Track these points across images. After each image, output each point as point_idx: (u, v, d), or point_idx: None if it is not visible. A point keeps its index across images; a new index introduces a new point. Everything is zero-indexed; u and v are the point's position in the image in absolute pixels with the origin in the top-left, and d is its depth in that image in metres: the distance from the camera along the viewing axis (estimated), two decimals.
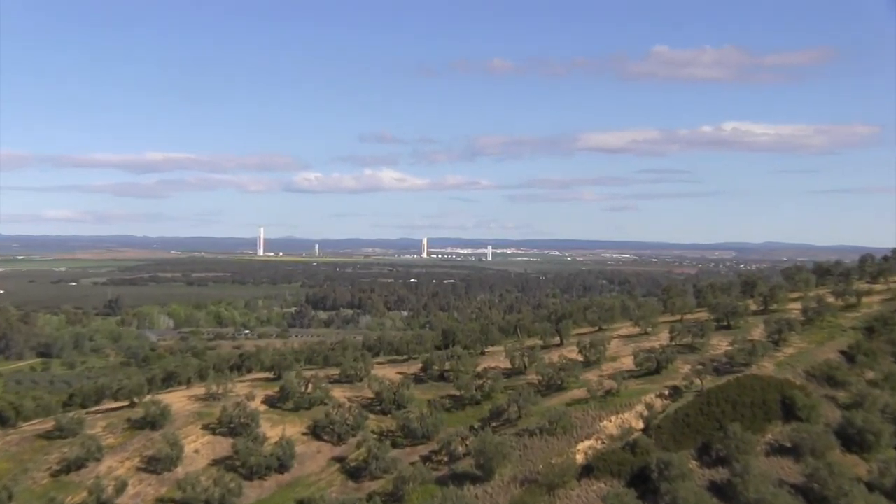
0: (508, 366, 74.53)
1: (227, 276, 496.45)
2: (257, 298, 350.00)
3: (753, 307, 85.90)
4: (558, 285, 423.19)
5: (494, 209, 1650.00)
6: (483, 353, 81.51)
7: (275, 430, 63.52)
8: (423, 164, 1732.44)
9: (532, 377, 70.87)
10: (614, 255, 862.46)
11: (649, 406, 60.63)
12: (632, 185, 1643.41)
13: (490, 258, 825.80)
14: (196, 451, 61.03)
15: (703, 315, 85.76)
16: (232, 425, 63.18)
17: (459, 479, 55.24)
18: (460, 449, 58.49)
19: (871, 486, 51.04)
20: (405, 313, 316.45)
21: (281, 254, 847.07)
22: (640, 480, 51.87)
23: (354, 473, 59.07)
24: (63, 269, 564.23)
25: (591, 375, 68.93)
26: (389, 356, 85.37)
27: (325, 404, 66.95)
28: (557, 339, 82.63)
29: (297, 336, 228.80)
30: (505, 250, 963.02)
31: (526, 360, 74.23)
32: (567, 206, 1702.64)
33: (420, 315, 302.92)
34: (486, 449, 54.87)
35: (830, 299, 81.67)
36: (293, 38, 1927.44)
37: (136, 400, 69.15)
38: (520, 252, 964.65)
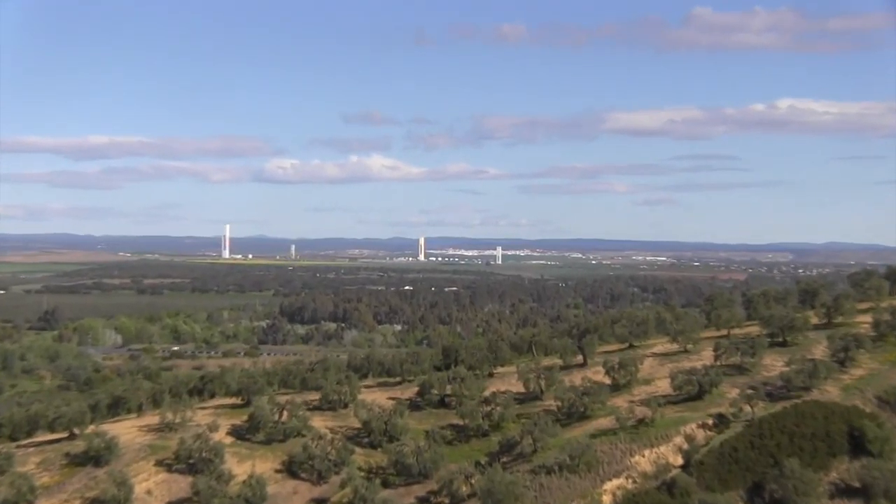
0: (522, 390, 74.57)
1: (185, 283, 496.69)
2: (222, 309, 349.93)
3: (814, 320, 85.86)
4: (581, 294, 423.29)
5: (505, 203, 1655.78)
6: (491, 375, 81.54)
7: (243, 466, 63.50)
8: (419, 149, 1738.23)
9: (550, 403, 70.86)
10: (648, 258, 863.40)
11: (690, 438, 60.55)
12: (669, 174, 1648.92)
13: (499, 261, 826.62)
14: (148, 492, 61.01)
15: (753, 329, 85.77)
16: (191, 461, 63.20)
17: None
18: (464, 489, 58.45)
19: None
20: (398, 327, 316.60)
21: (250, 256, 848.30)
22: None
23: None
24: None
25: (621, 401, 68.90)
26: (380, 378, 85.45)
27: (303, 436, 66.98)
28: (580, 359, 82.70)
29: (269, 354, 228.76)
30: (517, 252, 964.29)
31: (542, 382, 74.25)
32: (591, 199, 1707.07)
33: (416, 329, 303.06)
34: (496, 489, 54.83)
35: None
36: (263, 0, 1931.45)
37: (76, 431, 69.13)
38: (535, 254, 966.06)
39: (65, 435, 69.63)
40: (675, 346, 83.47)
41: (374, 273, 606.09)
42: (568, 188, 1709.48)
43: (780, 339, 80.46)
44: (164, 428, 69.15)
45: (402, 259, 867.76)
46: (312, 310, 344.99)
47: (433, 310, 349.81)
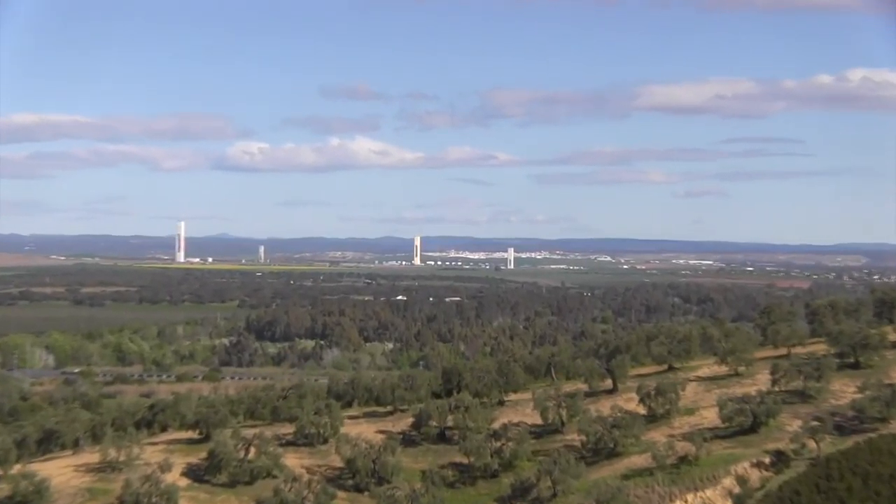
0: (538, 421, 74.60)
1: (131, 293, 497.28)
2: (176, 324, 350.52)
3: (893, 337, 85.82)
4: (610, 305, 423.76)
5: (518, 195, 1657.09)
6: (502, 404, 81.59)
7: None
8: (414, 130, 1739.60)
9: (573, 438, 70.85)
10: (691, 262, 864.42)
11: (742, 479, 60.54)
12: (716, 160, 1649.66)
13: (511, 266, 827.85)
14: None
15: (819, 348, 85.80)
16: None
17: None
18: None
19: None
20: (389, 345, 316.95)
21: (210, 259, 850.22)
22: None
23: None
24: None
25: (658, 435, 68.90)
26: (367, 407, 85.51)
27: (275, 477, 67.05)
28: (609, 383, 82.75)
29: (233, 378, 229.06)
30: (533, 254, 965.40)
31: (564, 412, 74.27)
32: (622, 190, 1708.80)
33: (411, 348, 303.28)
34: None
35: None
36: None
37: (0, 471, 69.09)
38: (554, 257, 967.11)
39: None
40: (723, 369, 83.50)
41: (359, 280, 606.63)
42: (594, 177, 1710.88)
43: (852, 360, 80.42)
44: (106, 467, 69.14)
45: (394, 263, 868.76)
46: (285, 324, 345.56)
47: (431, 324, 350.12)
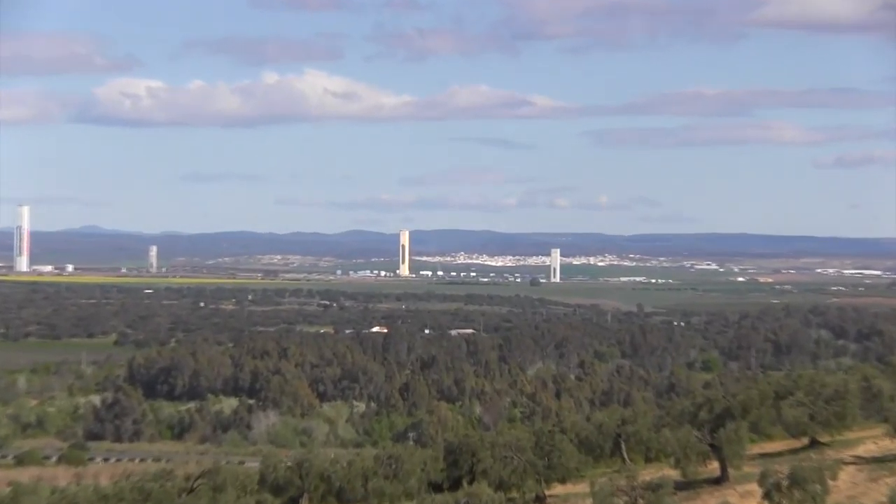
0: None
1: None
2: (16, 373, 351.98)
3: None
4: (716, 341, 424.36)
5: (566, 165, 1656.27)
6: (542, 501, 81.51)
7: None
8: (397, 59, 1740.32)
9: None
10: (846, 272, 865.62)
11: None
12: (885, 107, 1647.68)
13: (557, 278, 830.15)
14: None
15: None
16: None
17: None
18: None
19: None
20: (360, 406, 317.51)
21: (71, 268, 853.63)
22: None
23: None
24: None
25: None
26: None
27: None
28: (715, 467, 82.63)
29: (107, 461, 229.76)
30: (590, 260, 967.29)
31: None
32: (736, 156, 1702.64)
33: (394, 411, 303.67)
34: None
35: None
36: None
37: None
38: (627, 264, 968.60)
39: None
40: None
41: (311, 301, 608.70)
42: (690, 135, 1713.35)
43: None
44: None
45: (368, 273, 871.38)
46: (192, 373, 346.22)
47: (427, 373, 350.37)
